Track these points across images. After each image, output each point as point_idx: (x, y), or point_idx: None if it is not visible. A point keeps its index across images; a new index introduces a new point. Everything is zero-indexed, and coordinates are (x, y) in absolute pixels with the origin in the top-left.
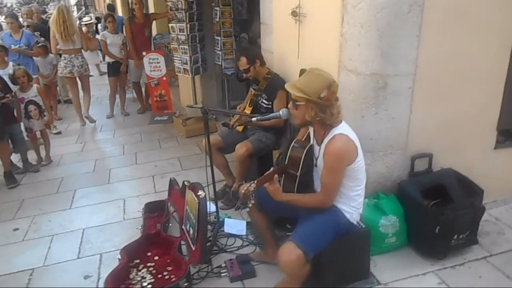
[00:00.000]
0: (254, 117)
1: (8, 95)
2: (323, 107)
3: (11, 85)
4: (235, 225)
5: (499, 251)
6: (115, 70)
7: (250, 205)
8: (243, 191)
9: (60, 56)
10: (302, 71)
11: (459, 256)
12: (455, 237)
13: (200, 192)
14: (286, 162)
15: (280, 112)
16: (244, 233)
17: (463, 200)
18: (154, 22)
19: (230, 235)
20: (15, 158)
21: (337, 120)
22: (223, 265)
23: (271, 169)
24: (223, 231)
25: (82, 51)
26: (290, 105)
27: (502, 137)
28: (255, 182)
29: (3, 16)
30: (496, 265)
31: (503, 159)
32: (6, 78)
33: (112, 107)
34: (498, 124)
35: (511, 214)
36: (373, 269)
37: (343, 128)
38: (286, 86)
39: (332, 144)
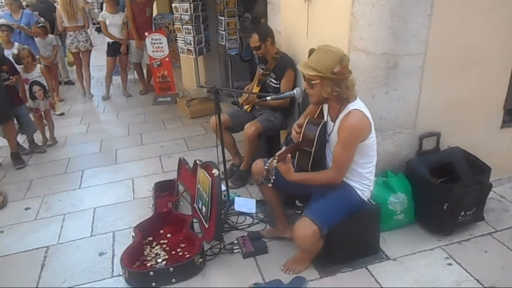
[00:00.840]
0: (266, 96)
1: (12, 77)
2: (338, 81)
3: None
4: (245, 203)
5: (504, 227)
6: (114, 50)
7: (272, 180)
8: (266, 167)
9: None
10: (311, 51)
11: (465, 232)
12: (462, 213)
13: (214, 171)
14: (300, 139)
15: (294, 91)
16: (254, 211)
17: (470, 178)
18: (155, 2)
19: (240, 213)
20: (21, 139)
21: (353, 94)
22: (235, 241)
23: (284, 147)
24: (233, 209)
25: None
26: (305, 85)
27: (508, 117)
28: (277, 158)
29: None
30: (501, 240)
31: (508, 138)
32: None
33: (107, 88)
34: (505, 103)
35: None
36: (382, 244)
37: (358, 104)
38: (299, 67)
39: (347, 119)
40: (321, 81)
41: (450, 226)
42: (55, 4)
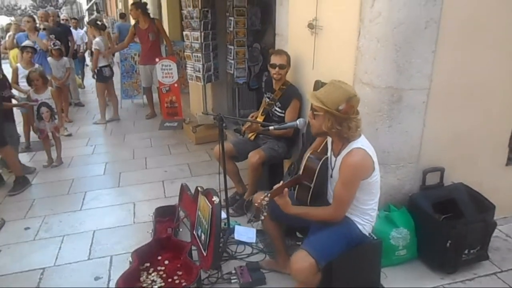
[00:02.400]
0: (270, 125)
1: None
2: (340, 119)
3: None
4: (245, 232)
5: (510, 268)
6: (99, 76)
7: (262, 218)
8: (256, 204)
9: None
10: (317, 83)
11: (469, 271)
12: (466, 251)
13: (215, 198)
14: (301, 173)
15: (297, 122)
16: (253, 240)
17: (474, 215)
18: (166, 30)
19: (240, 242)
20: (27, 158)
21: (355, 135)
22: (233, 271)
23: (283, 181)
24: (233, 238)
25: None
26: (309, 113)
27: None
28: (269, 195)
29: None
30: (506, 281)
31: None
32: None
33: (102, 113)
34: (510, 141)
35: None
36: (383, 280)
37: (361, 142)
38: (308, 96)
39: (349, 158)
40: (324, 115)
41: (454, 264)
42: (71, 27)
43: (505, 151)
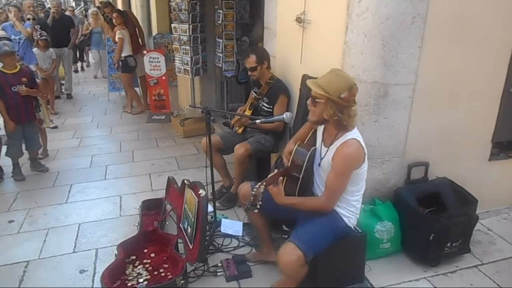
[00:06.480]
0: (257, 119)
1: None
2: (342, 107)
3: None
4: (231, 225)
5: (490, 260)
6: (124, 66)
7: (258, 206)
8: (253, 192)
9: None
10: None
11: (452, 263)
12: (448, 245)
13: (201, 191)
14: (289, 164)
15: (284, 115)
16: (240, 233)
17: (457, 209)
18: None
19: (227, 236)
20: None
21: (352, 124)
22: (219, 264)
23: (275, 171)
24: (220, 231)
25: None
26: (309, 101)
27: (497, 149)
28: (264, 183)
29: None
30: (487, 274)
31: (496, 171)
32: None
33: (137, 101)
34: (493, 136)
35: (503, 224)
36: (367, 273)
37: (356, 133)
38: (308, 83)
39: (345, 148)
40: (326, 102)
41: (436, 257)
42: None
43: (488, 146)
